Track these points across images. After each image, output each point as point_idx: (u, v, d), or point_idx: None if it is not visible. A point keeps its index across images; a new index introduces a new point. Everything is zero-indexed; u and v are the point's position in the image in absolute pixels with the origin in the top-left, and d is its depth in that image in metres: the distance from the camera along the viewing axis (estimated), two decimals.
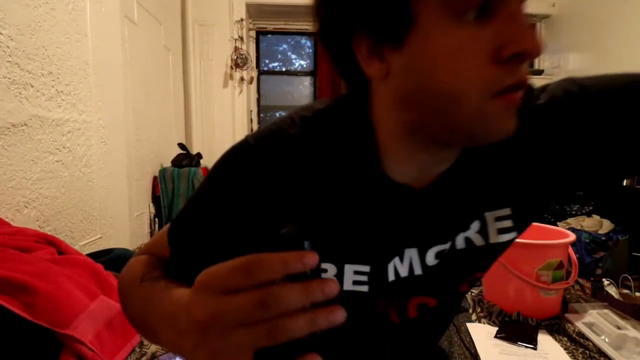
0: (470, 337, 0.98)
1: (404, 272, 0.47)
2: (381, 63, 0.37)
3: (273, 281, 0.26)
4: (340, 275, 0.45)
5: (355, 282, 0.46)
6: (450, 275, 0.49)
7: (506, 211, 0.46)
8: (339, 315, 0.26)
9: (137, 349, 0.92)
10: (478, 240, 0.47)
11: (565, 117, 0.42)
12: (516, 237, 0.48)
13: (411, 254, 0.46)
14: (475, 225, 0.46)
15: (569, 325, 1.03)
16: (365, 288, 0.46)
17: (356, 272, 0.45)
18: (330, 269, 0.45)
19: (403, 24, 0.33)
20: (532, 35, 0.32)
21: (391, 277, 0.46)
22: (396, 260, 0.46)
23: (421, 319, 0.51)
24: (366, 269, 0.45)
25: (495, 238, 0.47)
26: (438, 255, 0.47)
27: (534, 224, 1.27)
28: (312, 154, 0.41)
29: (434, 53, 0.33)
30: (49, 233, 1.13)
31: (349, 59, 0.38)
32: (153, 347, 0.94)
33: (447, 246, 0.47)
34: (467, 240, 0.47)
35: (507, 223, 0.46)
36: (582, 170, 0.44)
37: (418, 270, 0.47)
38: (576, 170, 0.44)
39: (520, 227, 0.47)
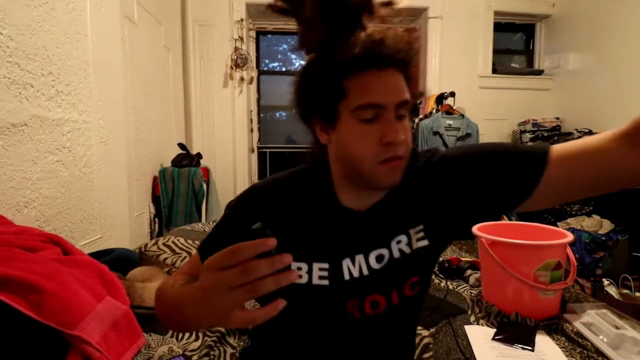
0: (468, 341, 0.98)
1: (356, 272, 0.66)
2: (327, 136, 0.63)
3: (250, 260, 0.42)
4: (310, 272, 0.65)
5: (320, 277, 0.65)
6: (392, 277, 0.66)
7: (420, 227, 0.67)
8: (293, 276, 0.42)
9: (144, 351, 0.93)
10: (407, 250, 0.67)
11: (447, 171, 0.66)
12: (428, 245, 0.67)
13: (359, 259, 0.66)
14: (404, 239, 0.67)
15: (567, 325, 1.03)
16: (326, 282, 0.65)
17: (320, 269, 0.65)
18: (303, 267, 0.65)
19: (333, 119, 0.60)
20: (398, 132, 0.57)
21: (346, 276, 0.66)
22: (348, 261, 0.66)
23: (377, 316, 0.67)
24: (326, 266, 0.65)
25: (416, 245, 0.67)
26: (379, 258, 0.66)
27: (533, 224, 1.27)
28: (294, 189, 0.68)
29: (348, 136, 0.59)
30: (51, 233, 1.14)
31: (314, 132, 0.65)
32: (160, 350, 0.94)
33: (384, 252, 0.66)
34: (400, 250, 0.67)
35: (421, 234, 0.67)
36: (463, 208, 0.66)
37: (365, 271, 0.66)
38: (459, 206, 0.66)
39: (430, 238, 0.67)
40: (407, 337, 0.76)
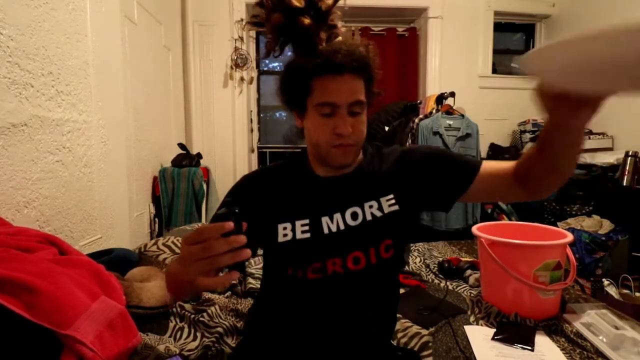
0: (467, 341, 0.98)
1: (334, 227, 0.79)
2: (301, 122, 0.82)
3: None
4: (293, 229, 0.78)
5: (302, 232, 0.78)
6: (368, 235, 0.78)
7: (390, 195, 0.82)
8: (246, 254, 0.54)
9: (141, 350, 0.92)
10: (378, 213, 0.80)
11: (411, 158, 0.85)
12: (399, 210, 0.81)
13: (337, 217, 0.79)
14: (375, 204, 0.81)
15: (567, 325, 1.03)
16: (308, 235, 0.78)
17: (302, 225, 0.78)
18: (288, 226, 0.79)
19: (303, 110, 0.79)
20: (346, 125, 0.74)
21: (326, 230, 0.78)
22: (327, 219, 0.79)
23: (358, 272, 0.77)
24: (307, 221, 0.79)
25: (388, 210, 0.81)
26: (354, 216, 0.79)
27: (533, 224, 1.27)
28: (278, 170, 0.88)
29: (312, 125, 0.78)
30: (49, 233, 1.14)
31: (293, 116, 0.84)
32: (156, 350, 0.94)
33: (358, 210, 0.80)
34: (372, 214, 0.80)
35: (392, 201, 0.81)
36: (421, 187, 0.83)
37: (342, 226, 0.79)
38: (418, 185, 0.83)
39: (400, 204, 0.81)
40: (387, 305, 0.85)
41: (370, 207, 0.80)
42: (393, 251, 0.80)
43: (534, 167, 0.71)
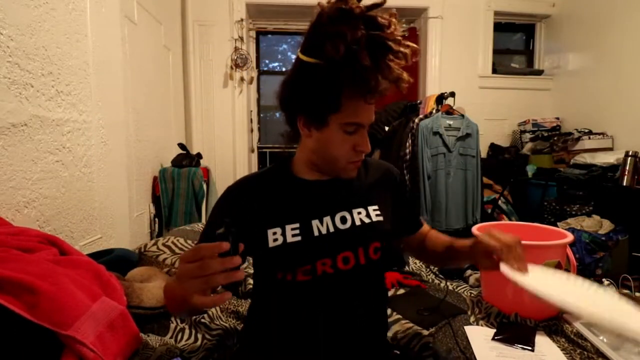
0: (468, 341, 0.98)
1: (324, 230, 0.80)
2: (309, 131, 0.79)
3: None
4: (284, 233, 0.78)
5: (293, 235, 0.78)
6: (357, 237, 0.81)
7: (375, 206, 0.86)
8: (239, 275, 0.57)
9: (142, 351, 0.92)
10: (366, 220, 0.83)
11: (393, 184, 0.95)
12: (383, 220, 0.85)
13: (327, 220, 0.81)
14: (363, 211, 0.84)
15: (567, 326, 1.03)
16: (299, 238, 0.78)
17: (292, 229, 0.79)
18: (278, 231, 0.78)
19: (321, 123, 0.76)
20: (367, 144, 0.78)
21: (316, 232, 0.79)
22: (317, 222, 0.80)
23: (348, 272, 0.79)
24: (297, 225, 0.79)
25: (374, 218, 0.84)
26: (343, 219, 0.81)
27: (533, 224, 1.27)
28: (261, 178, 0.87)
29: (332, 140, 0.77)
30: (49, 233, 1.13)
31: (293, 122, 0.81)
32: (158, 351, 0.94)
33: (347, 215, 0.82)
34: (361, 219, 0.83)
35: (378, 212, 0.86)
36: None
37: (332, 229, 0.80)
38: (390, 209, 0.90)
39: (384, 215, 0.86)
40: (376, 304, 0.88)
41: (359, 213, 0.83)
42: (381, 254, 0.83)
43: (432, 256, 0.99)
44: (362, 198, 0.86)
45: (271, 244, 0.78)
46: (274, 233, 0.78)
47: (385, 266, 0.99)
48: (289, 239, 0.78)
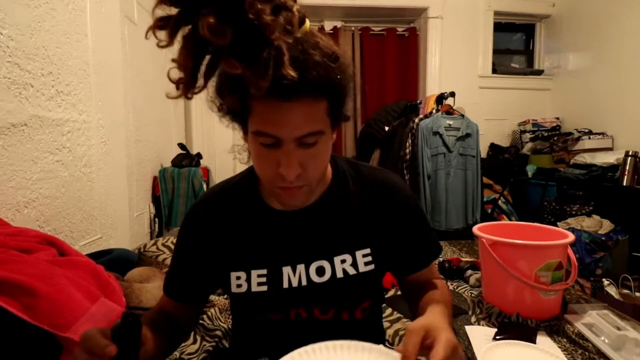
0: (469, 341, 0.98)
1: (295, 282, 0.65)
2: (245, 140, 0.63)
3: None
4: (248, 279, 0.65)
5: (259, 284, 0.65)
6: (338, 297, 0.66)
7: (367, 250, 0.67)
8: None
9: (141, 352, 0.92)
10: (352, 271, 0.66)
11: (402, 214, 0.71)
12: (374, 270, 0.67)
13: (300, 268, 0.65)
14: (349, 259, 0.66)
15: (569, 326, 1.03)
16: (265, 288, 0.65)
17: (259, 275, 0.65)
18: (242, 276, 0.65)
19: (245, 130, 0.59)
20: (290, 167, 0.55)
21: (285, 284, 0.64)
22: (289, 269, 0.65)
23: (326, 321, 0.66)
24: (264, 272, 0.65)
25: (363, 268, 0.66)
26: (319, 271, 0.65)
27: (533, 224, 1.27)
28: (225, 199, 0.70)
29: (253, 152, 0.59)
30: (49, 233, 1.13)
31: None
32: None
33: (325, 265, 0.65)
34: (344, 270, 0.65)
35: (369, 258, 0.67)
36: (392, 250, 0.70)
37: (304, 282, 0.65)
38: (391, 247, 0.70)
39: (377, 262, 0.67)
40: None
41: (343, 261, 0.65)
42: (370, 312, 0.70)
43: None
44: (348, 237, 0.66)
45: (234, 289, 0.66)
46: (238, 278, 0.65)
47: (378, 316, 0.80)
48: (254, 288, 0.64)
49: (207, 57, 0.43)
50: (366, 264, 0.66)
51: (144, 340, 0.51)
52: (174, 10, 0.40)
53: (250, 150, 0.60)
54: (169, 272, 0.72)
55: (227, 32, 0.39)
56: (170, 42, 0.43)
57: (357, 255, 0.66)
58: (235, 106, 0.55)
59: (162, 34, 0.42)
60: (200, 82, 0.45)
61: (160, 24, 0.41)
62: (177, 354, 0.95)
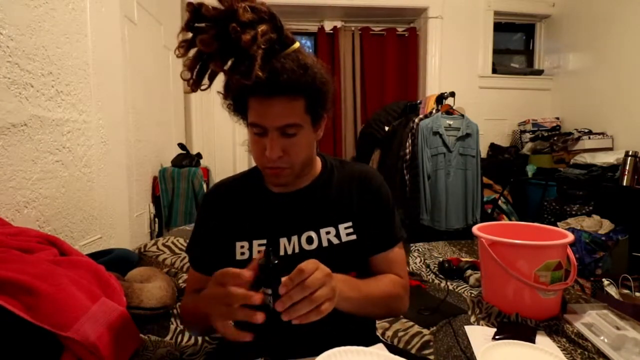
0: (468, 340, 0.98)
1: (290, 250, 0.77)
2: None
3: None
4: (250, 248, 0.78)
5: (259, 252, 0.70)
6: (325, 262, 0.69)
7: (349, 223, 0.80)
8: (256, 318, 0.55)
9: (142, 352, 0.92)
10: (335, 241, 0.78)
11: (376, 198, 0.83)
12: (357, 240, 0.79)
13: (294, 239, 0.78)
14: (333, 231, 0.79)
15: (568, 326, 1.03)
16: None
17: (259, 245, 0.77)
18: (245, 245, 0.78)
19: (246, 121, 0.75)
20: (272, 150, 0.70)
21: (282, 252, 0.77)
22: (285, 240, 0.78)
23: None
24: (264, 242, 0.78)
25: (345, 238, 0.79)
26: (309, 240, 0.78)
27: (533, 224, 1.27)
28: (237, 184, 0.86)
29: (249, 140, 0.75)
30: (49, 233, 1.13)
31: None
32: (158, 352, 0.94)
33: (313, 235, 0.78)
34: (329, 240, 0.78)
35: (350, 230, 0.79)
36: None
37: (297, 249, 0.77)
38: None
39: (358, 234, 0.79)
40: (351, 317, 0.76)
41: (328, 233, 0.78)
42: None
43: None
44: (332, 214, 0.80)
45: (238, 256, 0.78)
46: (242, 247, 0.78)
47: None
48: (255, 255, 0.73)
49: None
50: (348, 234, 0.79)
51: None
52: (189, 35, 0.66)
53: (249, 140, 0.76)
54: (189, 245, 0.86)
55: (213, 44, 0.63)
56: (184, 54, 0.67)
57: (339, 228, 0.79)
58: (237, 104, 0.73)
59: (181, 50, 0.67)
60: (206, 82, 0.69)
61: (182, 44, 0.67)
62: (177, 354, 0.96)
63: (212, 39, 0.62)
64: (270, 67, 0.65)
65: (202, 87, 0.68)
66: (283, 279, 0.57)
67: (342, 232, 0.79)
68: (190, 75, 0.67)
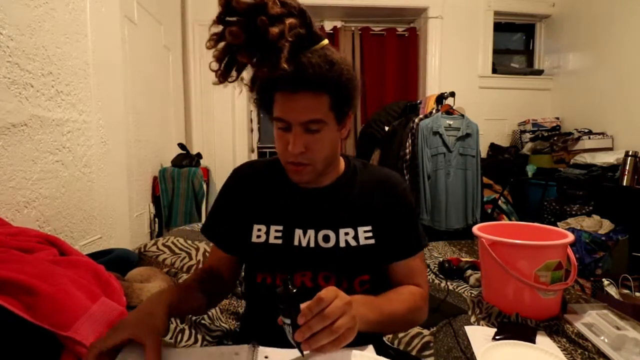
0: (468, 341, 0.98)
1: (304, 242, 0.77)
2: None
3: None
4: (267, 232, 0.79)
5: (275, 237, 0.78)
6: (340, 263, 0.76)
7: (369, 227, 0.79)
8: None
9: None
10: (353, 242, 0.78)
11: (398, 205, 0.82)
12: (375, 244, 0.79)
13: (310, 232, 0.78)
14: (352, 232, 0.78)
15: (568, 326, 1.03)
16: (280, 242, 0.78)
17: (276, 230, 0.79)
18: (262, 228, 0.80)
19: (272, 119, 0.75)
20: (295, 145, 0.70)
21: (296, 241, 0.78)
22: (300, 232, 0.78)
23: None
24: (280, 228, 0.79)
25: (364, 242, 0.78)
26: (325, 238, 0.78)
27: (533, 224, 1.27)
28: (260, 169, 0.87)
29: (274, 134, 0.75)
30: (49, 233, 1.13)
31: None
32: None
33: (331, 234, 0.77)
34: (347, 242, 0.78)
35: (369, 234, 0.79)
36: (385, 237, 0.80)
37: (312, 244, 0.77)
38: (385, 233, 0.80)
39: (377, 238, 0.79)
40: None
41: (347, 234, 0.78)
42: (369, 287, 0.77)
43: None
44: (353, 216, 0.79)
45: (254, 239, 0.80)
46: (259, 229, 0.80)
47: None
48: (271, 240, 0.78)
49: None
50: (367, 238, 0.78)
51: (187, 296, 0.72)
52: (220, 27, 0.66)
53: (274, 135, 0.76)
54: (208, 217, 0.89)
55: (241, 36, 0.63)
56: (214, 46, 0.67)
57: (359, 231, 0.78)
58: (263, 99, 0.74)
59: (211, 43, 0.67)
60: (234, 74, 0.69)
61: (213, 37, 0.66)
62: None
63: (241, 30, 0.63)
64: (297, 62, 0.66)
65: (230, 80, 0.69)
66: (302, 306, 0.55)
67: (361, 235, 0.78)
68: (219, 66, 0.67)
